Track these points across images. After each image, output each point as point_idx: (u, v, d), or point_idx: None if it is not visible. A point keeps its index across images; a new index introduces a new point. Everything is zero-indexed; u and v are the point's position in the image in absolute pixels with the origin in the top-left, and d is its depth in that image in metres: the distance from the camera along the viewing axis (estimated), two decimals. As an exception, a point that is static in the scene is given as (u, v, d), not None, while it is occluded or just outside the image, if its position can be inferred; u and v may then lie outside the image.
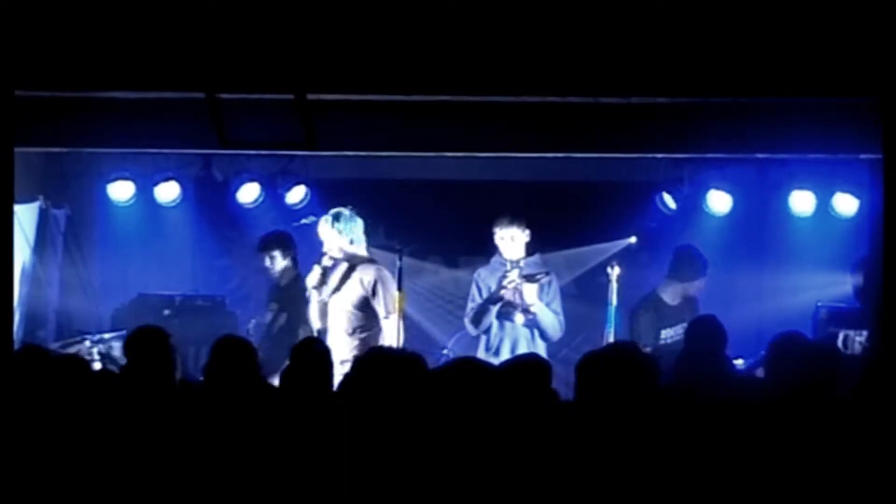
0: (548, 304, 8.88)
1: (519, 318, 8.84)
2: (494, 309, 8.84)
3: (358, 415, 5.01)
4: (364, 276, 8.72)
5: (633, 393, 5.07)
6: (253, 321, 9.70)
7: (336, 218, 8.81)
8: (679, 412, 5.12)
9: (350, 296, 8.72)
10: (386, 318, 8.61)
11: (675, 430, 4.96)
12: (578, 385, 5.14)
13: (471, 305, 8.97)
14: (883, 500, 4.90)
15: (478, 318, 8.89)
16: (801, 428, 5.09)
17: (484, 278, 8.96)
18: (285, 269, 9.71)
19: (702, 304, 9.23)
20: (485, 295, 8.91)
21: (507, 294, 8.82)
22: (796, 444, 5.03)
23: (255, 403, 5.42)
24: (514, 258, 8.90)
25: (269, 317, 9.68)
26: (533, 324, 8.84)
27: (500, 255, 8.98)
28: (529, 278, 8.81)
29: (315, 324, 8.76)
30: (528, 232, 8.95)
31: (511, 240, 8.90)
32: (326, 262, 8.75)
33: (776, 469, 4.93)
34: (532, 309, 8.79)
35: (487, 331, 8.91)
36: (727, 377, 6.54)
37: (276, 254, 9.71)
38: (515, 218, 8.94)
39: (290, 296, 9.49)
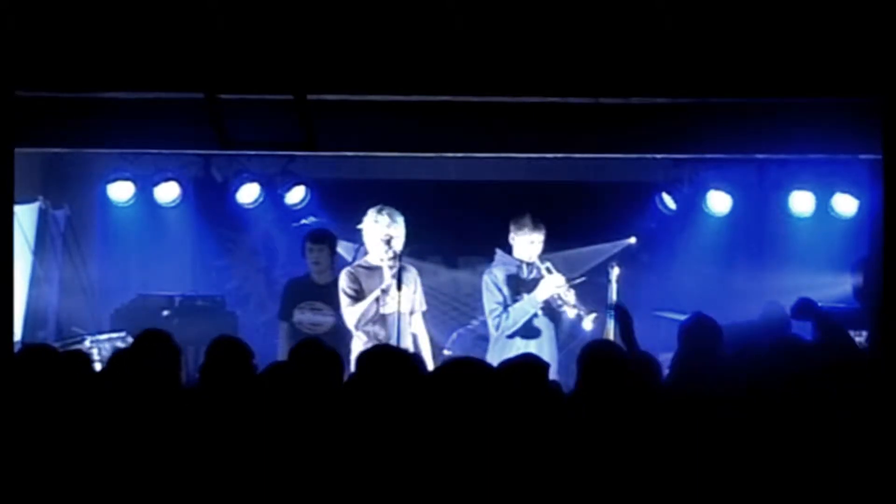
0: None
1: (588, 323, 8.76)
2: (532, 311, 8.78)
3: (357, 414, 5.01)
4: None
5: (630, 392, 5.09)
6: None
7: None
8: (677, 410, 5.12)
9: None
10: None
11: (672, 428, 4.96)
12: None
13: (494, 307, 8.84)
14: (882, 499, 4.90)
15: (511, 320, 8.79)
16: (800, 426, 5.10)
17: (500, 279, 8.89)
18: (325, 269, 9.60)
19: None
20: (506, 295, 8.84)
21: (551, 298, 8.78)
22: (795, 443, 5.03)
23: (251, 403, 5.42)
24: (530, 260, 8.88)
25: (317, 317, 9.54)
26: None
27: (511, 255, 8.94)
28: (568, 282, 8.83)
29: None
30: (544, 236, 8.94)
31: (531, 243, 8.88)
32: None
33: (775, 467, 4.93)
34: (595, 314, 8.77)
35: (512, 334, 8.84)
36: (723, 376, 6.53)
37: (326, 249, 9.56)
38: (538, 221, 8.92)
39: (332, 296, 9.43)
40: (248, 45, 7.16)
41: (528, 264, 8.87)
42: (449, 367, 5.20)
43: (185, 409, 5.58)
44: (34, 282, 10.43)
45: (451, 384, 4.99)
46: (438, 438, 4.82)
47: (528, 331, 8.79)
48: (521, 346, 8.65)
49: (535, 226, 8.88)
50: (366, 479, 4.78)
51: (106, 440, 5.18)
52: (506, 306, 8.77)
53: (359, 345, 8.65)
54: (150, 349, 6.46)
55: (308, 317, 9.48)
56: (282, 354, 8.42)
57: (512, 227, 8.94)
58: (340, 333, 9.08)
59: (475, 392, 4.95)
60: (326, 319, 9.44)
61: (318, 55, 7.21)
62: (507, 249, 8.99)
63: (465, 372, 5.08)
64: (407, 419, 4.92)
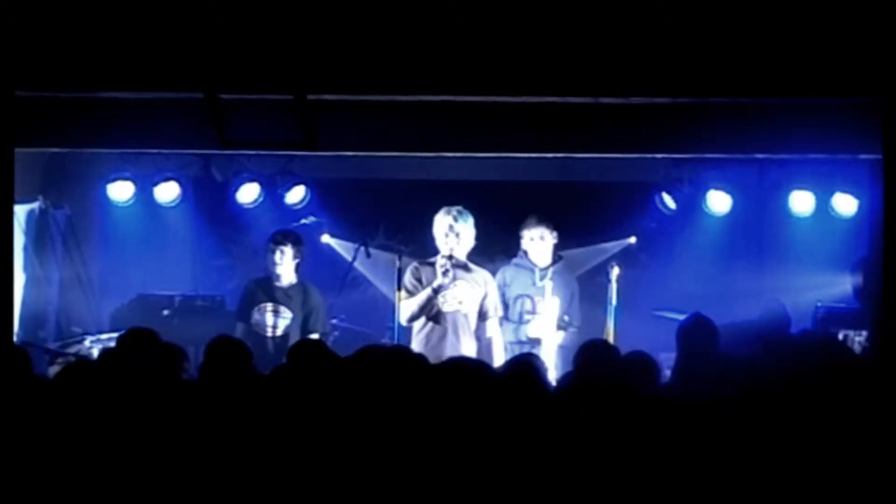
0: None
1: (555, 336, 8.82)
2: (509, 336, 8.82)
3: (356, 413, 5.01)
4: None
5: (622, 391, 5.09)
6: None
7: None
8: (674, 410, 5.12)
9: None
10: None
11: (669, 427, 4.96)
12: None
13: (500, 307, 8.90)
14: (882, 499, 4.90)
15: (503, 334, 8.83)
16: (799, 427, 5.10)
17: (506, 281, 8.91)
18: (288, 270, 9.57)
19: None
20: (508, 299, 8.86)
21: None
22: (793, 443, 5.03)
23: (250, 403, 5.42)
24: (543, 262, 8.91)
25: (276, 318, 9.51)
26: None
27: (528, 258, 8.97)
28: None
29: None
30: (555, 234, 8.96)
31: (532, 241, 8.91)
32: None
33: (773, 467, 4.93)
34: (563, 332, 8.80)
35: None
36: (721, 375, 6.54)
37: (288, 250, 9.48)
38: (543, 219, 8.94)
39: (290, 297, 9.41)
40: (248, 45, 7.16)
41: (542, 269, 8.90)
42: (447, 367, 5.20)
43: (183, 408, 5.58)
44: (34, 282, 10.43)
45: (449, 384, 4.99)
46: (437, 437, 4.82)
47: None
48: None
49: (539, 222, 8.91)
50: (364, 478, 4.78)
51: (103, 437, 5.18)
52: (501, 321, 8.82)
53: (416, 347, 8.66)
54: (135, 347, 6.45)
55: (268, 318, 9.40)
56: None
57: (522, 230, 8.99)
58: (296, 336, 9.09)
59: (474, 392, 4.95)
60: (284, 322, 9.38)
61: (318, 55, 7.20)
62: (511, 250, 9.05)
63: (463, 372, 5.08)
64: (406, 418, 4.92)
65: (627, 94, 7.57)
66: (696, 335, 6.85)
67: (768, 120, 8.33)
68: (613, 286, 8.95)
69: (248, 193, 10.70)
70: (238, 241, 11.18)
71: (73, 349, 9.39)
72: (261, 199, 10.72)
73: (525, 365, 5.47)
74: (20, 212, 9.65)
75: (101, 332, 9.63)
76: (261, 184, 10.68)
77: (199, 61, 7.18)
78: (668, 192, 10.58)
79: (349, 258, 9.77)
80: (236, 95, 7.40)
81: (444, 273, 8.58)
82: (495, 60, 7.23)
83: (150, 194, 10.66)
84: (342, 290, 9.58)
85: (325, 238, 10.48)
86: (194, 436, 5.23)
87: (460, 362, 5.28)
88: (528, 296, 8.86)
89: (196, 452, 5.13)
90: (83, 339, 9.49)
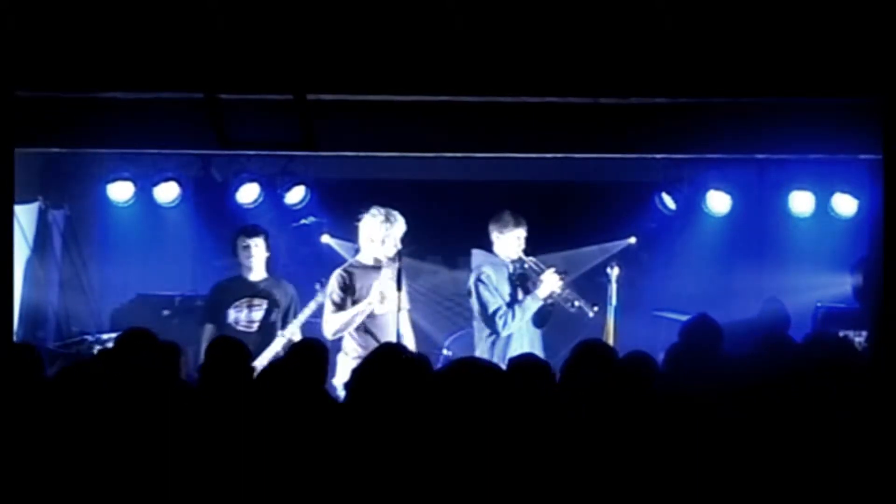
0: None
1: (591, 314, 8.83)
2: (535, 309, 8.80)
3: (360, 414, 5.01)
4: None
5: (618, 391, 5.09)
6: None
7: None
8: (673, 409, 5.13)
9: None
10: None
11: (668, 427, 4.97)
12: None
13: (499, 307, 8.81)
14: (880, 499, 4.91)
15: (516, 319, 8.80)
16: (797, 426, 5.10)
17: (494, 279, 8.89)
18: (260, 264, 9.45)
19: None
20: (507, 294, 8.85)
21: (552, 295, 8.82)
22: (792, 442, 5.03)
23: (251, 402, 5.42)
24: (516, 257, 8.90)
25: (255, 313, 9.43)
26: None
27: (495, 253, 8.96)
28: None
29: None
30: (526, 231, 8.99)
31: (518, 239, 8.91)
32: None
33: (773, 465, 4.94)
34: (596, 306, 8.81)
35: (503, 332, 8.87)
36: (723, 374, 6.55)
37: (261, 243, 9.40)
38: (519, 218, 8.94)
39: (269, 291, 9.35)
40: (248, 45, 7.17)
41: (514, 261, 8.90)
42: (455, 368, 5.19)
43: (183, 408, 5.58)
44: (34, 282, 10.43)
45: (458, 385, 4.99)
46: (444, 438, 4.82)
47: (524, 327, 8.84)
48: (515, 344, 8.70)
49: (518, 221, 8.92)
50: (367, 478, 4.78)
51: (103, 437, 5.18)
52: (510, 305, 8.79)
53: (350, 348, 8.63)
54: (133, 347, 6.45)
55: (245, 314, 9.31)
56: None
57: (494, 227, 8.96)
58: (270, 330, 9.08)
59: (481, 392, 4.95)
60: (265, 316, 9.32)
61: (318, 55, 7.21)
62: (488, 249, 9.01)
63: (472, 372, 5.07)
64: (411, 419, 4.92)
65: (627, 94, 7.57)
66: (700, 335, 6.85)
67: (768, 120, 8.33)
68: (613, 286, 8.96)
69: (248, 193, 10.69)
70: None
71: (73, 349, 9.40)
72: (261, 199, 10.72)
73: (531, 364, 5.47)
74: (20, 212, 9.64)
75: (101, 332, 9.63)
76: (261, 184, 10.67)
77: (199, 61, 7.18)
78: (668, 192, 10.58)
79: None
80: (236, 95, 7.41)
81: (398, 280, 8.57)
82: (495, 60, 7.23)
83: (150, 194, 10.66)
84: (342, 290, 9.55)
85: (325, 238, 10.49)
86: (195, 436, 5.23)
87: (468, 362, 5.28)
88: (518, 282, 8.87)
89: (196, 452, 5.13)
90: (83, 339, 9.48)
